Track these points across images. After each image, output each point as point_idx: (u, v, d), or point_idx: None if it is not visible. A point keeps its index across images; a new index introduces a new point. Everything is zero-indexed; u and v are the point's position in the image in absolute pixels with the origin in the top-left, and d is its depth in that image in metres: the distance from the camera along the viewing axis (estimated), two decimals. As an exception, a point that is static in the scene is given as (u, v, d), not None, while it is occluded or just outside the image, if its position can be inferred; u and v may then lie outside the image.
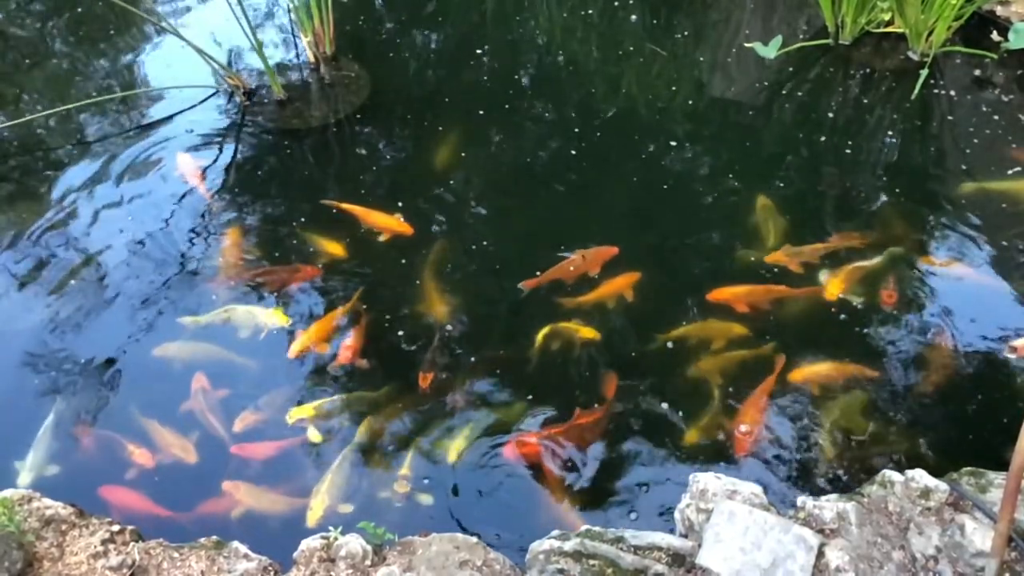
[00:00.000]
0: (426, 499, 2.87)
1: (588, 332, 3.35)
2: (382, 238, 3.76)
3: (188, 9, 5.39)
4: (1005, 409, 3.08)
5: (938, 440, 3.01)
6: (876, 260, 3.60)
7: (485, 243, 3.76)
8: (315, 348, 3.32)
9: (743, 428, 3.03)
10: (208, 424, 3.09)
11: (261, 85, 4.60)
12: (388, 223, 3.81)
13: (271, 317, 3.42)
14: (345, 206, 3.87)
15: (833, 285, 3.48)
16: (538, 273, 3.57)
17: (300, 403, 3.16)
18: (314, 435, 3.05)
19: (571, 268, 3.58)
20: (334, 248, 3.71)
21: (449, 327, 3.39)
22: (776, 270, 3.59)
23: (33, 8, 5.40)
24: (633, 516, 2.82)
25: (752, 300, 3.45)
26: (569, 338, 3.35)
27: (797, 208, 3.91)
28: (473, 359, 3.31)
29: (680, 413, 3.10)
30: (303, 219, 3.88)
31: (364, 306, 3.49)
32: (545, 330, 3.36)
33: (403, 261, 3.67)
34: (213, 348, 3.34)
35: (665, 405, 3.13)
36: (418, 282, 3.57)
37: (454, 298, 3.50)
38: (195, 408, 3.14)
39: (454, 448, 2.99)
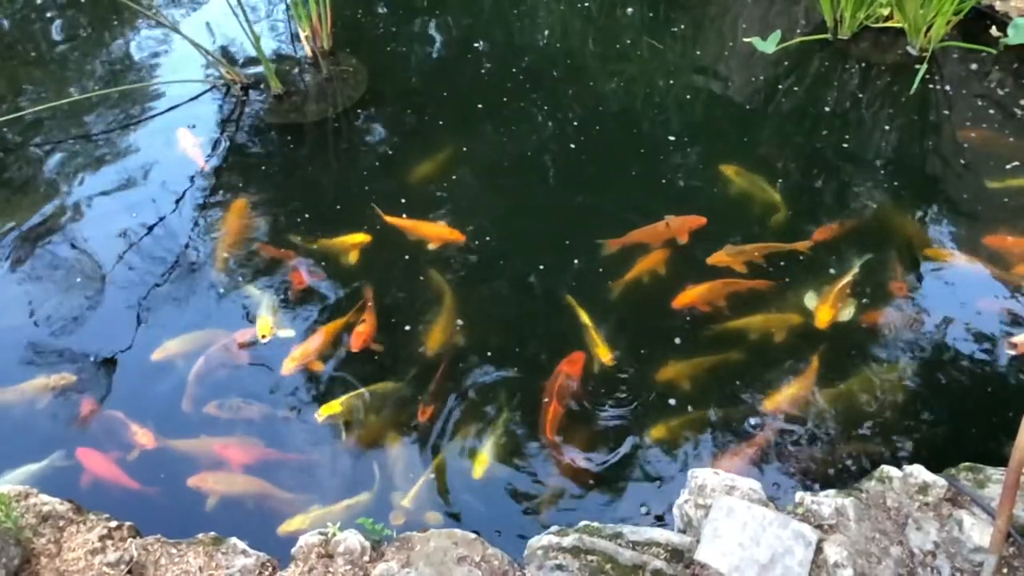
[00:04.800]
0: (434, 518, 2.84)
1: (604, 353, 3.25)
2: (426, 243, 3.71)
3: (186, 4, 5.37)
4: (1004, 405, 3.08)
5: (937, 435, 3.02)
6: (855, 271, 3.53)
7: (488, 238, 3.75)
8: (310, 365, 3.25)
9: (753, 422, 3.05)
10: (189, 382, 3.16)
11: (259, 80, 4.58)
12: (439, 233, 3.73)
13: (262, 325, 3.36)
14: (390, 219, 3.79)
15: (823, 313, 3.36)
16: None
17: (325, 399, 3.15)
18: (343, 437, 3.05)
19: (656, 233, 3.63)
20: (337, 245, 3.70)
21: (459, 325, 3.37)
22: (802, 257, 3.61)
23: (34, 4, 5.38)
24: (644, 510, 2.82)
25: (712, 297, 3.43)
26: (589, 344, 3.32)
27: (794, 201, 3.90)
28: (484, 357, 3.30)
29: (689, 408, 3.11)
30: (307, 215, 3.86)
31: (370, 299, 3.46)
32: (578, 309, 3.39)
33: (407, 257, 3.66)
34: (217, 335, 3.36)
35: (673, 401, 3.13)
36: (422, 278, 3.56)
37: (458, 299, 3.47)
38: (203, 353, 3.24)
39: (478, 464, 2.95)
